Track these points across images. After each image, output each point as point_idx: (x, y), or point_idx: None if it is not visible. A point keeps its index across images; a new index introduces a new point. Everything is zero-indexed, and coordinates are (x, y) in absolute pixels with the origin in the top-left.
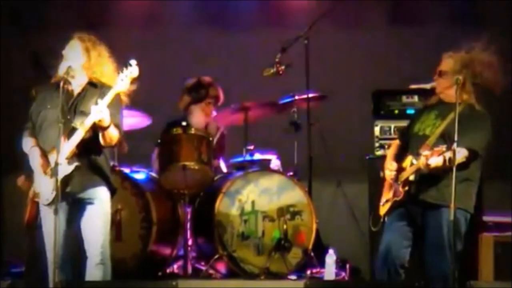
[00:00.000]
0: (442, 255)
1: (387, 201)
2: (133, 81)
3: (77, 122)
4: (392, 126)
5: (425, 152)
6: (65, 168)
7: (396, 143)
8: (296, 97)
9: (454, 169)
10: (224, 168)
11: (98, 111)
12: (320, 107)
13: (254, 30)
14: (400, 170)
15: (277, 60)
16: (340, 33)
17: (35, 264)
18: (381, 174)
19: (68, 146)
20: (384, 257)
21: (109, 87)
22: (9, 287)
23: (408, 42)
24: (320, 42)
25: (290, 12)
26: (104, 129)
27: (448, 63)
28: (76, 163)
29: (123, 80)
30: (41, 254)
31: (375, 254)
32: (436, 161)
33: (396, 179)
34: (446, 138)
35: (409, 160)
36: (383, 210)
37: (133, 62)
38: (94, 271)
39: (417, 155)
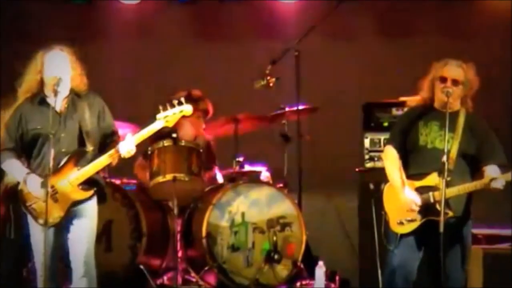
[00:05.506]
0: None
1: (411, 220)
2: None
3: (90, 148)
4: (382, 138)
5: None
6: (76, 194)
7: (395, 159)
8: (287, 109)
9: (446, 163)
10: (220, 178)
11: (129, 149)
12: (310, 119)
13: (245, 42)
14: (422, 189)
15: (267, 72)
16: (330, 45)
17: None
18: (371, 186)
19: (85, 171)
20: (398, 273)
21: (91, 95)
22: None
23: (398, 54)
24: (310, 54)
25: (281, 24)
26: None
27: (459, 72)
28: (92, 191)
29: (168, 116)
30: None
31: (364, 266)
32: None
33: (429, 200)
34: (463, 153)
35: (433, 178)
36: (403, 229)
37: (183, 102)
38: (78, 283)
39: (440, 171)
